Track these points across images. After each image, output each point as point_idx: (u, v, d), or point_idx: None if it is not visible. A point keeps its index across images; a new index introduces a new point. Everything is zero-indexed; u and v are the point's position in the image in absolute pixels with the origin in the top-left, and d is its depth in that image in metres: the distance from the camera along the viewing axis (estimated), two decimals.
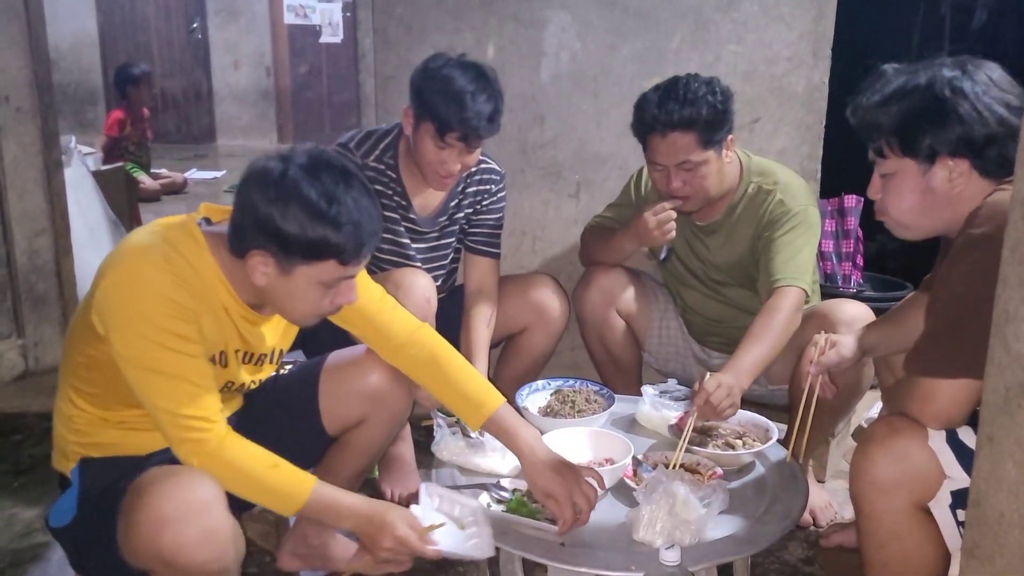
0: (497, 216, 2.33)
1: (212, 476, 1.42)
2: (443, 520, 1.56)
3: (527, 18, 2.66)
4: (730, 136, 2.09)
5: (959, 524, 1.43)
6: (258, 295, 1.52)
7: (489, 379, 2.11)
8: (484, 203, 2.31)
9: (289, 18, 8.39)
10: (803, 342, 2.06)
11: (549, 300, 2.30)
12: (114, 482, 1.50)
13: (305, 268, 1.43)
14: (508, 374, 2.35)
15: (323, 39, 8.29)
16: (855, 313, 2.00)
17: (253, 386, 1.69)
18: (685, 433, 1.79)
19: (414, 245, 2.26)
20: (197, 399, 1.42)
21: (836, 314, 2.00)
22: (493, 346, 2.30)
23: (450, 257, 2.36)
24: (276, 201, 1.38)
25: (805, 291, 2.03)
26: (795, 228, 2.08)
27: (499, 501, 1.62)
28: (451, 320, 2.23)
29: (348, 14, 7.74)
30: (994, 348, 1.07)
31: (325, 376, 1.78)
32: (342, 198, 1.40)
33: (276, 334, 1.66)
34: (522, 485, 1.65)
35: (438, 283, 2.27)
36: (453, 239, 2.33)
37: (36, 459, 2.52)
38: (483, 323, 2.23)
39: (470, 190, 2.29)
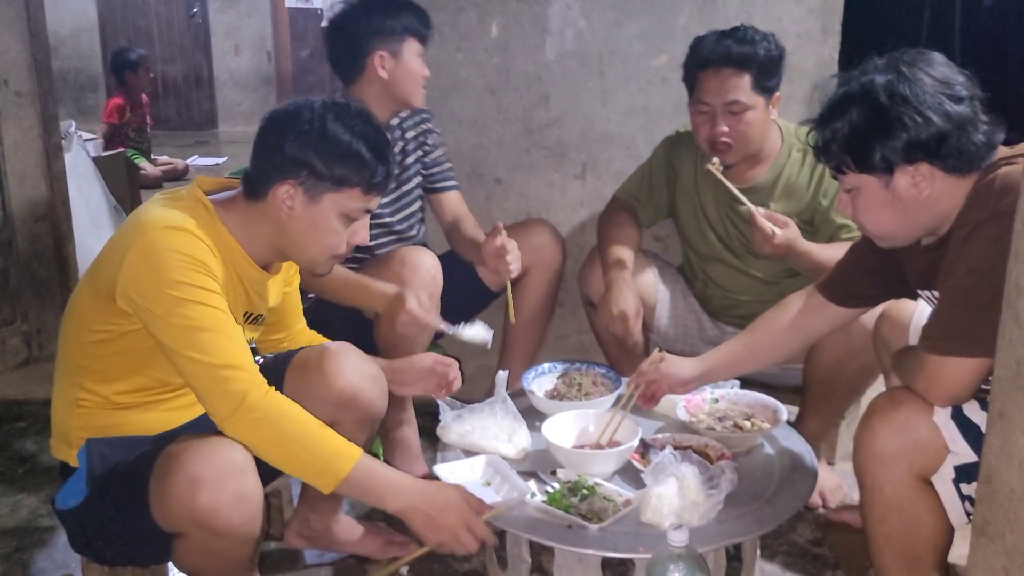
0: (443, 150, 2.45)
1: (254, 433, 1.42)
2: (499, 500, 1.57)
3: None
4: (777, 94, 2.11)
5: (963, 499, 1.43)
6: (270, 247, 1.56)
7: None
8: (429, 142, 2.41)
9: (290, 1, 8.36)
10: None
11: (545, 239, 2.36)
12: (125, 460, 1.51)
13: (332, 195, 1.50)
14: (521, 317, 2.35)
15: (325, 22, 8.23)
16: None
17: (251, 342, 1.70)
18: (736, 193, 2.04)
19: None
20: (235, 351, 1.44)
21: None
22: (496, 295, 2.37)
23: (416, 204, 2.41)
24: (308, 130, 1.48)
25: None
26: None
27: (545, 491, 1.62)
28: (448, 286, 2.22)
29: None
30: (1006, 323, 1.06)
31: (291, 371, 1.70)
32: (367, 128, 1.52)
33: (276, 293, 1.71)
34: (572, 476, 1.64)
35: (412, 232, 2.36)
36: (412, 184, 2.38)
37: (41, 445, 2.52)
38: (473, 228, 2.34)
39: (409, 135, 2.37)
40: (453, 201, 2.45)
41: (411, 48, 2.21)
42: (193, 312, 1.40)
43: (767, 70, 2.05)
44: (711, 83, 2.06)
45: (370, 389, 1.69)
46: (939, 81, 1.40)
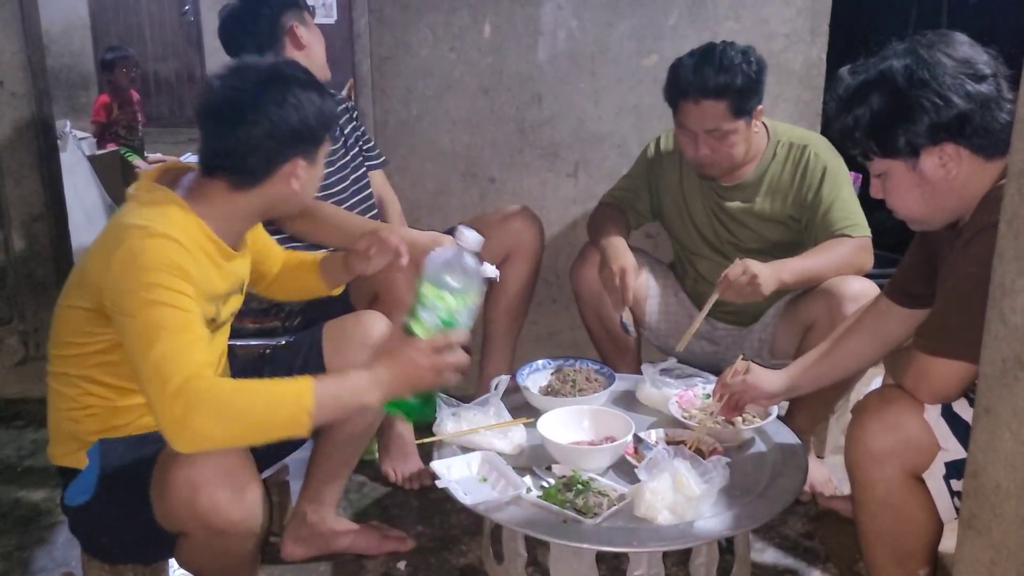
0: (364, 124, 2.51)
1: (218, 415, 1.35)
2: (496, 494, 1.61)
3: None
4: (759, 107, 2.11)
5: (953, 495, 1.45)
6: (251, 222, 1.62)
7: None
8: (353, 116, 2.44)
9: None
10: (809, 318, 2.08)
11: (521, 225, 2.36)
12: (137, 457, 1.52)
13: (320, 151, 1.60)
14: (499, 307, 2.39)
15: (317, 20, 8.16)
16: (861, 288, 2.00)
17: (229, 319, 1.70)
18: (704, 309, 2.03)
19: (332, 171, 2.29)
20: (198, 348, 1.42)
21: (842, 290, 2.01)
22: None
23: (364, 172, 2.42)
24: (285, 103, 1.50)
25: (869, 236, 2.11)
26: (838, 181, 2.15)
27: (541, 487, 1.63)
28: None
29: None
30: (991, 321, 1.08)
31: (327, 335, 1.81)
32: (312, 81, 1.58)
33: (244, 266, 1.71)
34: (567, 472, 1.66)
35: (371, 214, 2.37)
36: (356, 154, 2.41)
37: (39, 444, 2.53)
38: (397, 218, 2.48)
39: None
40: (381, 180, 2.48)
41: (307, 15, 2.26)
42: (162, 312, 1.39)
43: (745, 95, 2.04)
44: (691, 112, 2.07)
45: None
46: (959, 61, 1.39)
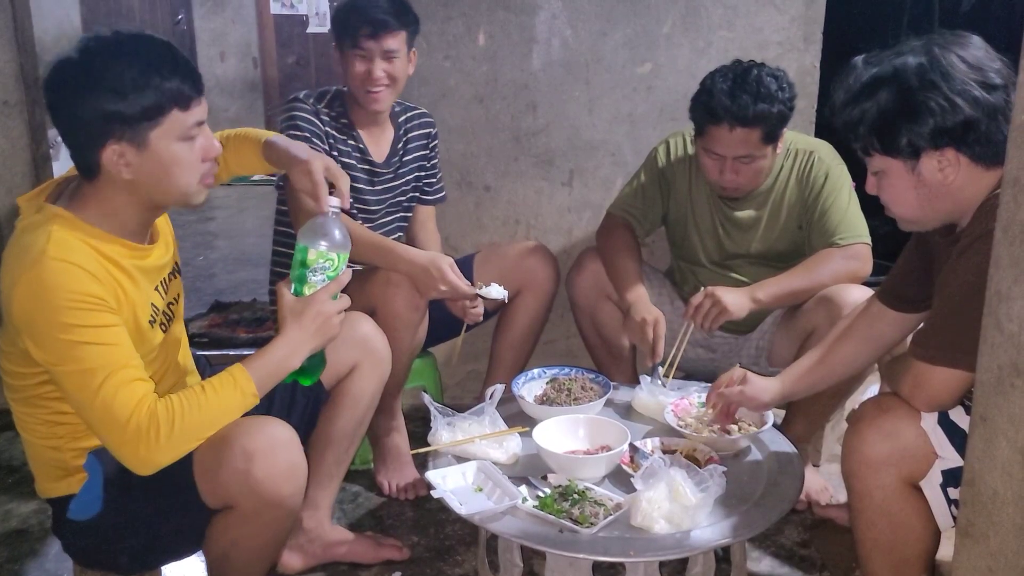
0: (438, 157, 2.49)
1: (177, 442, 1.39)
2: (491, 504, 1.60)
3: (517, 5, 2.65)
4: (784, 130, 2.10)
5: (950, 503, 1.46)
6: (141, 211, 1.47)
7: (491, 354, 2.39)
8: (431, 145, 2.42)
9: (275, 8, 8.32)
10: (808, 326, 2.08)
11: (537, 263, 2.36)
12: None
13: (156, 132, 1.39)
14: (505, 341, 2.39)
15: (310, 29, 8.23)
16: (861, 296, 1.99)
17: (174, 308, 1.64)
18: (680, 339, 2.05)
19: (369, 189, 2.28)
20: (135, 381, 1.39)
21: (842, 297, 2.01)
22: (490, 314, 2.37)
23: (406, 201, 2.40)
24: (87, 83, 1.35)
25: (866, 243, 2.11)
26: (837, 186, 2.15)
27: (537, 496, 1.62)
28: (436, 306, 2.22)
29: (335, 3, 7.68)
30: (987, 328, 1.08)
31: None
32: (140, 47, 1.41)
33: (165, 250, 1.60)
34: (563, 481, 1.65)
35: (396, 236, 2.37)
36: (409, 180, 2.38)
37: None
38: (435, 248, 2.42)
39: (412, 134, 2.38)
40: (427, 214, 2.49)
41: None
42: (86, 354, 1.35)
43: (781, 123, 2.04)
44: (722, 138, 2.03)
45: (381, 342, 1.91)
46: (972, 67, 1.38)
